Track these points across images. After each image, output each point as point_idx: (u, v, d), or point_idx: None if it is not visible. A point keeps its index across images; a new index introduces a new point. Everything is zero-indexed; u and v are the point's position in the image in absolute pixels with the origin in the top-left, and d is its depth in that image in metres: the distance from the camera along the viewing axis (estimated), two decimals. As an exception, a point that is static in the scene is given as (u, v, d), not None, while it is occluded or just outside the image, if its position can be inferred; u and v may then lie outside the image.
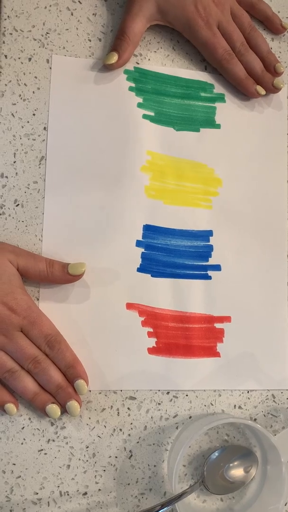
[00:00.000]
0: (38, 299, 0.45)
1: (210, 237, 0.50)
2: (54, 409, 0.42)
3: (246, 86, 0.52)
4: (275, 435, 0.45)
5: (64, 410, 0.43)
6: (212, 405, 0.48)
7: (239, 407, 0.48)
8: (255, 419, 0.48)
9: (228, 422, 0.46)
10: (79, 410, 0.42)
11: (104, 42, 0.50)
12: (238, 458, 0.46)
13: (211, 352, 0.48)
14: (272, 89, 0.52)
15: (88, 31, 0.50)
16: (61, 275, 0.44)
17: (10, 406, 0.42)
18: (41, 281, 0.45)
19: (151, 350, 0.47)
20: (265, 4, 0.54)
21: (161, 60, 0.52)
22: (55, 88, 0.48)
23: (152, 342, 0.47)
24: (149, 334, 0.47)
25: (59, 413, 0.42)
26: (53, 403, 0.42)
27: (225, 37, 0.51)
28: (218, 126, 0.52)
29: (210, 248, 0.50)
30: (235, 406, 0.48)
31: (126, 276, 0.47)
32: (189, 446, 0.46)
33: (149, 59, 0.51)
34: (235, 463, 0.46)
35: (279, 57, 0.54)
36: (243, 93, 0.53)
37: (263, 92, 0.52)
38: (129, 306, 0.47)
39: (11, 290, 0.41)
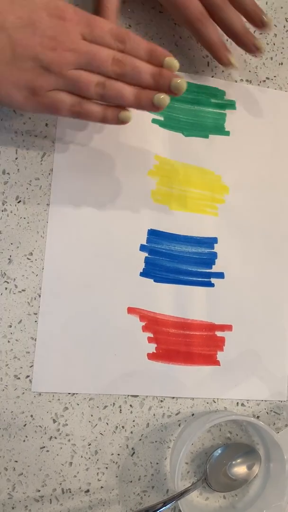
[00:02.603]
0: (39, 296, 0.45)
1: (215, 244, 0.50)
2: (164, 98, 0.39)
3: (217, 52, 0.47)
4: (278, 432, 0.45)
5: (170, 94, 0.40)
6: (215, 402, 0.47)
7: (242, 404, 0.48)
8: (258, 417, 0.48)
9: (231, 420, 0.46)
10: (185, 85, 0.40)
11: (106, 38, 0.50)
12: (241, 456, 0.46)
13: (211, 360, 0.48)
14: (253, 49, 0.47)
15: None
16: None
17: (126, 113, 0.40)
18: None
19: (151, 356, 0.47)
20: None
21: (163, 56, 0.51)
22: None
23: (152, 347, 0.47)
24: (149, 340, 0.47)
25: (169, 100, 0.40)
26: (157, 93, 0.39)
27: None
28: (227, 133, 0.52)
29: (214, 255, 0.49)
30: (237, 403, 0.48)
31: (129, 280, 0.47)
32: (192, 444, 0.46)
33: (151, 55, 0.51)
34: (238, 460, 0.45)
35: (271, 57, 0.54)
36: (253, 100, 0.52)
37: (234, 62, 0.47)
38: (130, 310, 0.47)
39: None
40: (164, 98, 0.39)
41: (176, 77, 0.39)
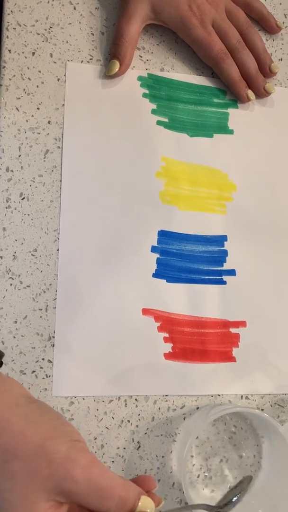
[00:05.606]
0: (54, 307, 0.45)
1: (225, 242, 0.50)
2: None
3: (238, 89, 0.52)
4: (283, 425, 0.45)
5: None
6: (219, 396, 0.48)
7: (246, 397, 0.48)
8: (262, 409, 0.48)
9: (236, 413, 0.46)
10: None
11: (106, 36, 0.51)
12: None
13: (227, 357, 0.48)
14: (263, 92, 0.52)
15: (91, 25, 0.50)
16: None
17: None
18: None
19: (168, 355, 0.47)
20: (260, 3, 0.54)
21: (164, 53, 0.52)
22: (70, 95, 0.48)
23: (168, 347, 0.47)
24: (165, 340, 0.47)
25: None
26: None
27: (220, 35, 0.51)
28: (231, 132, 0.52)
29: (225, 253, 0.50)
30: (242, 396, 0.48)
31: (142, 282, 0.47)
32: (197, 437, 0.46)
33: (152, 52, 0.51)
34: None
35: (271, 53, 0.54)
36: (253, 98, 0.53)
37: (253, 97, 0.52)
38: (145, 311, 0.47)
39: None
40: None
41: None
